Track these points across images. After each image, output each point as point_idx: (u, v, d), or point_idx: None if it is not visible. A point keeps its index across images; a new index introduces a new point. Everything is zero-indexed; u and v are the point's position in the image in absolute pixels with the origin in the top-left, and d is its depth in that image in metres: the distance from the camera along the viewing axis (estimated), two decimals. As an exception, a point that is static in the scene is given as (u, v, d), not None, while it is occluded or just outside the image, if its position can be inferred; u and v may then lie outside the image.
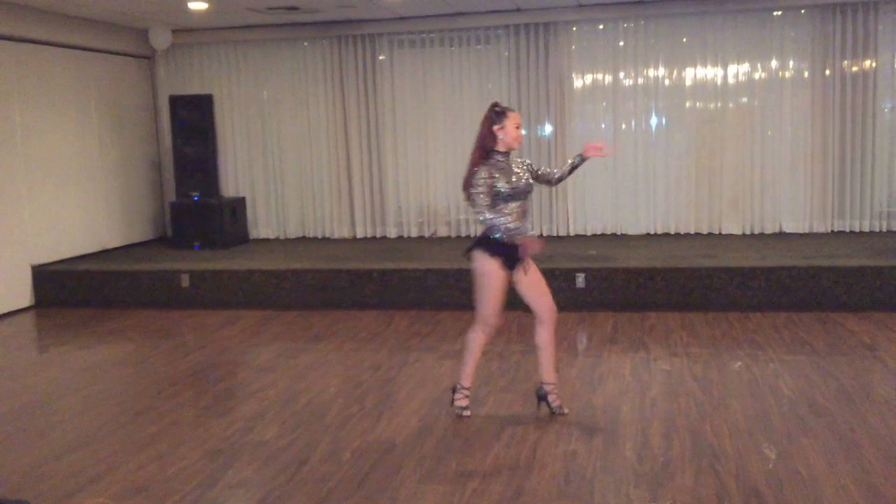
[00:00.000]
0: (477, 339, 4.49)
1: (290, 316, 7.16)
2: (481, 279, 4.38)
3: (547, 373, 4.49)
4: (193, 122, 9.19)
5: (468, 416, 4.49)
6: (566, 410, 4.49)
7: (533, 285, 4.41)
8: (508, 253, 4.29)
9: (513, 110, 4.41)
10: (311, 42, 9.51)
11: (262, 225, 9.87)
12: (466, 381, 4.53)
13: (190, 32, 9.52)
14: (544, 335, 4.47)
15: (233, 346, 6.34)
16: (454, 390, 4.57)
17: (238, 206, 9.46)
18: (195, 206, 9.10)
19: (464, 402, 4.53)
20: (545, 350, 4.47)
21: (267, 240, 9.76)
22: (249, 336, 6.59)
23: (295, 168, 9.72)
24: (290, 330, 6.72)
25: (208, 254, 8.65)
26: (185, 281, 7.64)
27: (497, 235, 4.29)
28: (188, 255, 8.56)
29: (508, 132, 4.30)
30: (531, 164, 4.47)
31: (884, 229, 8.45)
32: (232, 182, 9.85)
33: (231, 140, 9.80)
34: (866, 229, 8.46)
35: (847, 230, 8.51)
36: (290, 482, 3.74)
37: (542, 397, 4.51)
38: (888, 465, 3.66)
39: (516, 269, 4.35)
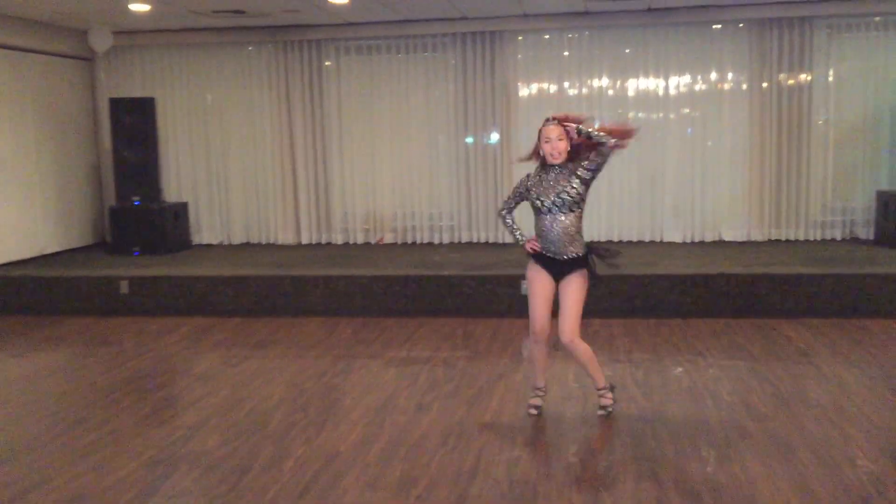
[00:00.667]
0: (530, 345, 4.66)
1: (232, 323, 7.06)
2: (527, 284, 4.50)
3: (593, 380, 4.58)
4: (134, 125, 9.01)
5: (534, 414, 4.54)
6: (601, 412, 4.55)
7: (562, 300, 4.40)
8: (546, 262, 4.37)
9: (546, 123, 4.33)
10: (256, 46, 9.43)
11: (205, 230, 9.73)
12: (537, 381, 4.64)
13: (132, 34, 9.34)
14: (572, 355, 4.52)
15: (173, 353, 6.23)
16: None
17: (180, 211, 9.30)
18: (136, 210, 8.92)
19: (534, 402, 4.60)
20: (580, 366, 4.59)
21: (210, 245, 9.62)
22: (191, 343, 6.48)
23: (239, 173, 9.60)
24: (233, 337, 6.63)
25: (149, 259, 8.48)
26: (125, 287, 7.47)
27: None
28: (128, 261, 8.39)
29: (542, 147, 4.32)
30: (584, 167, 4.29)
31: (818, 238, 8.70)
32: (174, 187, 9.68)
33: (174, 144, 9.64)
34: (801, 238, 8.70)
35: (783, 239, 8.74)
36: (231, 491, 3.68)
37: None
38: (822, 468, 3.76)
39: (561, 279, 4.38)
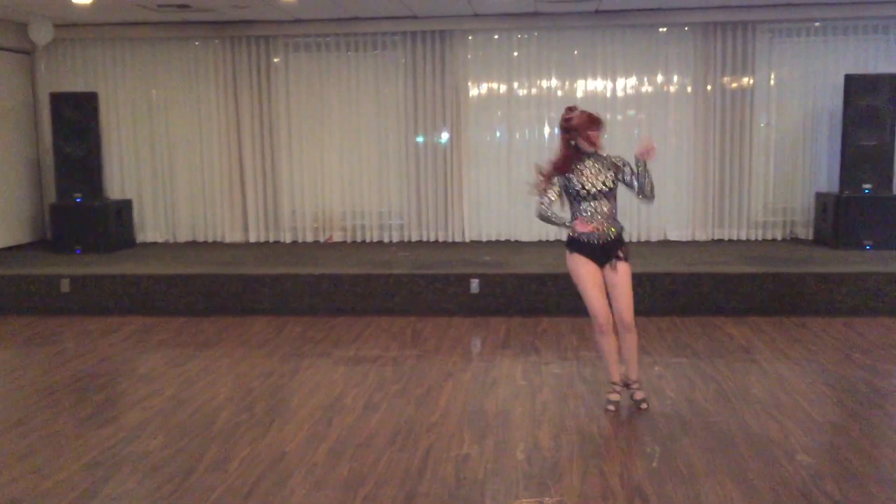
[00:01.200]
0: (596, 340, 4.59)
1: (178, 322, 6.95)
2: (574, 278, 4.52)
3: (632, 369, 4.60)
4: (76, 120, 8.79)
5: (612, 410, 4.53)
6: (644, 406, 4.58)
7: (613, 286, 4.45)
8: (587, 250, 4.42)
9: (589, 116, 4.51)
10: (202, 42, 9.29)
11: (149, 228, 9.55)
12: (612, 376, 4.61)
13: (73, 27, 9.13)
14: (621, 341, 4.54)
15: (116, 353, 6.10)
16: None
17: (124, 208, 9.11)
18: (77, 207, 8.71)
19: (611, 397, 4.59)
20: (625, 353, 4.55)
21: (155, 244, 9.45)
22: (134, 343, 6.36)
23: (185, 170, 9.45)
24: (178, 337, 6.52)
25: (91, 258, 8.30)
26: (66, 286, 7.30)
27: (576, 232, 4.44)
28: (69, 259, 8.19)
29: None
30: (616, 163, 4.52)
31: (760, 238, 8.91)
32: (118, 184, 9.49)
33: (117, 140, 9.45)
34: (744, 238, 8.90)
35: (726, 238, 8.92)
36: (174, 493, 3.62)
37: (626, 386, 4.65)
38: (762, 463, 3.85)
39: (605, 266, 4.44)
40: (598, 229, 4.42)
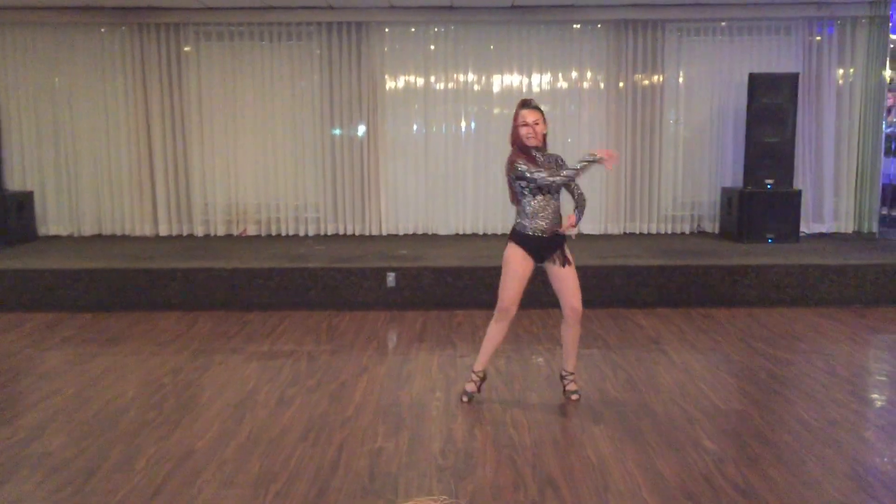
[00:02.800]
0: (492, 325, 4.61)
1: (83, 318, 6.71)
2: (504, 265, 4.52)
3: (566, 362, 4.71)
4: (-27, 107, 8.39)
5: (465, 402, 4.61)
6: (574, 397, 4.67)
7: (560, 280, 4.51)
8: (531, 244, 4.44)
9: (525, 104, 4.46)
10: (109, 28, 8.96)
11: (52, 221, 9.18)
12: (477, 365, 4.67)
13: (-31, 10, 8.69)
14: (565, 332, 4.64)
15: (15, 351, 5.84)
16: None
17: (24, 200, 8.73)
18: (-26, 199, 8.31)
19: (468, 387, 4.66)
20: (566, 345, 4.67)
21: (58, 237, 9.09)
22: (35, 340, 6.11)
23: (90, 161, 9.11)
24: (83, 333, 6.29)
25: (-11, 252, 7.93)
26: (-39, 281, 6.96)
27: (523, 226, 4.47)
28: (-35, 254, 7.81)
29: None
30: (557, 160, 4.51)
31: (668, 231, 9.16)
32: (18, 175, 9.08)
33: (17, 130, 9.04)
34: (654, 231, 9.14)
35: (637, 232, 9.14)
36: (76, 495, 3.49)
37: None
38: (668, 450, 3.96)
39: (547, 260, 4.48)
40: (536, 230, 4.45)
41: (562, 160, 4.57)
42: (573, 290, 4.55)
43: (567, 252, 4.55)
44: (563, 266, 4.52)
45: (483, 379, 4.71)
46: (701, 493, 3.49)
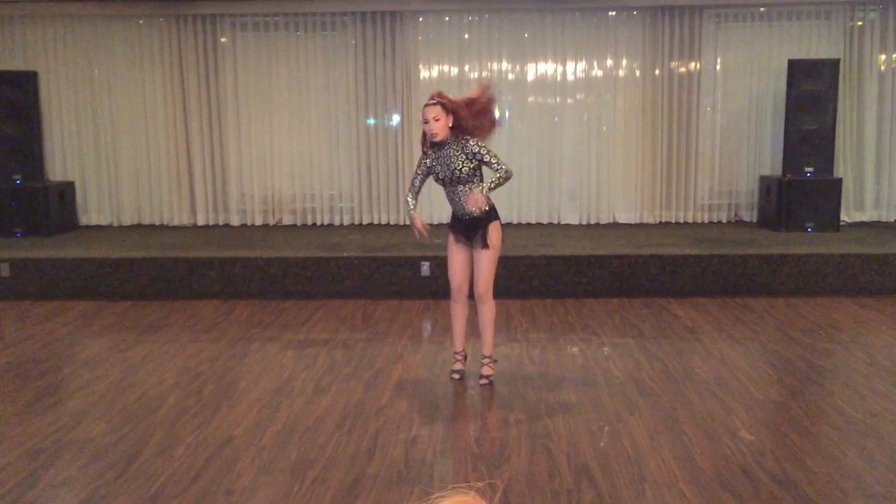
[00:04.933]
0: (451, 305, 4.85)
1: (123, 307, 6.82)
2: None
3: (484, 344, 4.86)
4: (15, 100, 8.53)
5: (455, 379, 4.84)
6: (483, 381, 4.80)
7: (474, 263, 4.67)
8: (457, 228, 4.67)
9: (427, 103, 4.56)
10: (147, 20, 9.06)
11: (92, 211, 9.33)
12: (455, 345, 4.93)
13: (12, 4, 8.82)
14: (479, 313, 4.79)
15: (58, 339, 5.96)
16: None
17: (66, 190, 8.89)
18: (17, 190, 8.46)
19: (454, 367, 4.90)
20: (482, 327, 4.82)
21: (99, 227, 9.24)
22: (77, 328, 6.23)
23: (130, 152, 9.24)
24: (123, 321, 6.40)
25: (32, 241, 8.09)
26: (6, 270, 7.10)
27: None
28: (9, 243, 7.97)
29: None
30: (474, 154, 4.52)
31: (705, 220, 9.05)
32: (59, 165, 9.24)
33: (58, 121, 9.18)
34: (690, 220, 9.03)
35: (673, 221, 9.04)
36: (118, 479, 3.57)
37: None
38: (704, 440, 3.93)
39: (475, 240, 4.63)
40: (456, 214, 4.66)
41: (474, 146, 4.51)
42: (479, 272, 4.65)
43: (488, 236, 4.60)
44: (481, 249, 4.62)
45: (464, 357, 4.93)
46: (738, 485, 3.46)
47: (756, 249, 7.15)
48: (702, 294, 6.89)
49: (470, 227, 4.63)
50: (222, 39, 9.08)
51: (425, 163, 4.67)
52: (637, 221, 9.04)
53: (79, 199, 9.19)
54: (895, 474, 3.54)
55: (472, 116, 4.54)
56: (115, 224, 9.33)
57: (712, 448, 3.84)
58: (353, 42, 9.02)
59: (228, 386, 4.86)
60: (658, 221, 9.04)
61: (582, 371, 5.04)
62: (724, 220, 9.06)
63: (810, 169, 8.22)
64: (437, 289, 7.01)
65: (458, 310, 4.83)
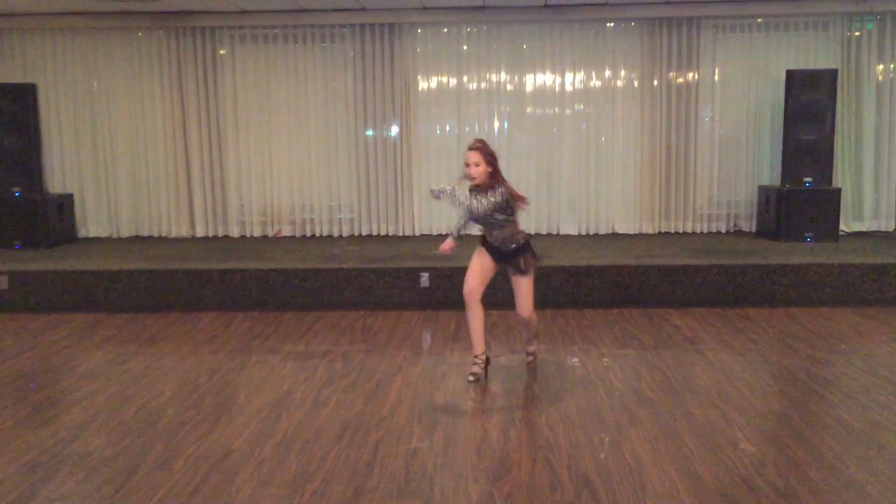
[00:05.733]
0: (466, 311, 5.02)
1: (122, 319, 6.81)
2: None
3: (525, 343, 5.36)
4: (14, 112, 8.55)
5: (471, 381, 4.96)
6: (529, 359, 5.33)
7: (516, 290, 5.00)
8: (492, 249, 4.97)
9: (471, 146, 4.83)
10: (146, 32, 9.09)
11: (91, 223, 9.34)
12: (474, 349, 5.05)
13: (12, 17, 8.86)
14: (525, 329, 5.25)
15: (57, 351, 5.94)
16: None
17: (65, 202, 8.89)
18: (16, 202, 8.47)
19: (473, 369, 5.01)
20: (523, 332, 5.34)
21: (97, 239, 9.24)
22: (76, 341, 6.21)
23: (128, 164, 9.25)
24: (122, 333, 6.39)
25: (31, 253, 8.08)
26: (4, 283, 7.09)
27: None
28: (8, 255, 7.96)
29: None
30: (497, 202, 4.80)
31: (704, 230, 9.06)
32: (58, 177, 9.25)
33: (57, 133, 9.20)
34: (689, 230, 9.04)
35: (672, 231, 9.06)
36: (116, 493, 3.55)
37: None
38: (706, 452, 3.92)
39: (510, 267, 4.96)
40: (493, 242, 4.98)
41: (501, 194, 4.80)
42: (520, 298, 5.00)
43: (526, 263, 4.94)
44: (520, 276, 4.95)
45: (486, 362, 5.09)
46: (740, 496, 3.44)
47: (755, 259, 7.15)
48: (701, 304, 6.88)
49: (502, 254, 4.94)
50: (221, 51, 9.10)
51: (467, 204, 4.85)
52: (636, 232, 9.05)
53: (77, 210, 9.19)
54: (897, 485, 3.53)
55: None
56: (114, 236, 9.33)
57: (713, 459, 3.82)
58: (352, 54, 9.05)
59: (228, 398, 4.84)
60: (657, 232, 9.05)
61: (582, 382, 5.02)
62: (723, 231, 9.08)
63: (809, 179, 8.23)
64: (437, 300, 7.00)
65: (473, 314, 4.97)
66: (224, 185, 9.24)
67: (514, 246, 4.93)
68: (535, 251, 5.03)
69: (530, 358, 5.38)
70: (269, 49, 9.11)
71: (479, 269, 4.98)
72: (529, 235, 5.11)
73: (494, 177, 4.82)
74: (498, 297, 6.95)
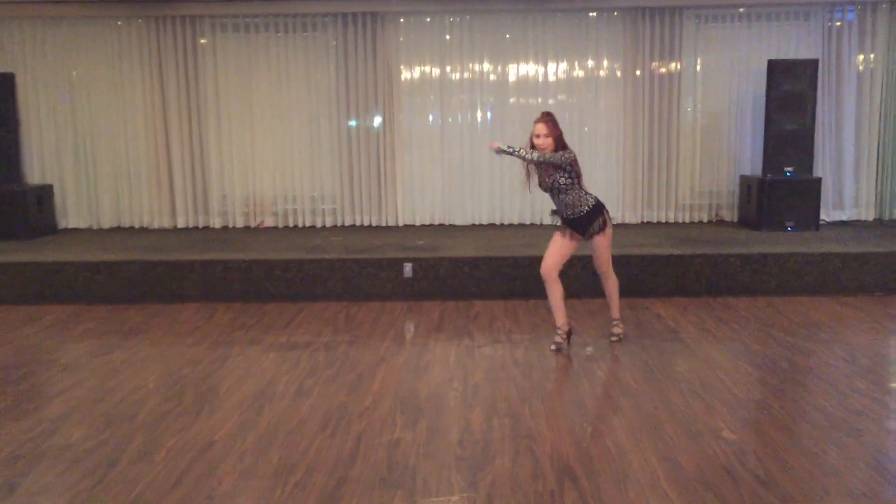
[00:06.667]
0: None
1: (103, 310, 6.76)
2: None
3: (612, 310, 5.66)
4: (-8, 102, 8.46)
5: (553, 350, 5.42)
6: (613, 339, 5.64)
7: (593, 248, 5.45)
8: (566, 225, 5.39)
9: (537, 120, 5.25)
10: (126, 21, 8.99)
11: (72, 214, 9.25)
12: (555, 320, 5.50)
13: (-12, 5, 8.74)
14: (605, 286, 5.60)
15: (36, 343, 5.89)
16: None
17: (45, 194, 8.80)
18: (-5, 193, 8.38)
19: (555, 339, 5.48)
20: (609, 297, 5.61)
21: (78, 230, 9.16)
22: (56, 332, 6.16)
23: (109, 154, 9.16)
24: (103, 325, 6.34)
25: (10, 245, 7.99)
26: (-17, 275, 7.02)
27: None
28: (-14, 247, 7.89)
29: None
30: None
31: (686, 220, 9.10)
32: (38, 168, 9.15)
33: (36, 123, 9.10)
34: (671, 220, 9.07)
35: (654, 221, 9.08)
36: (97, 485, 3.53)
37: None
38: (687, 440, 3.94)
39: (586, 236, 5.36)
40: (564, 213, 5.38)
41: (562, 158, 5.21)
42: (599, 255, 5.46)
43: (600, 224, 5.34)
44: (597, 236, 5.38)
45: (568, 334, 5.52)
46: (721, 484, 3.47)
47: (737, 249, 7.19)
48: (684, 294, 6.91)
49: (579, 222, 5.31)
50: (202, 41, 9.02)
51: (532, 159, 5.17)
52: (619, 221, 9.06)
53: (57, 202, 9.10)
54: (875, 472, 3.56)
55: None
56: (95, 227, 9.26)
57: (695, 447, 3.85)
58: (335, 43, 9.00)
59: (210, 390, 4.82)
60: (640, 221, 9.08)
61: (565, 372, 5.04)
62: (706, 220, 9.11)
63: (790, 169, 8.27)
64: (420, 290, 7.00)
65: (552, 290, 5.38)
66: (206, 176, 9.18)
67: (586, 209, 5.28)
68: (608, 213, 5.38)
69: (615, 329, 5.68)
70: (251, 38, 9.04)
71: (556, 249, 5.37)
72: (598, 200, 5.40)
73: (561, 148, 5.22)
74: (483, 287, 6.96)
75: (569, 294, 6.87)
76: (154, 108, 9.07)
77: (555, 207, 5.45)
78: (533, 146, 5.22)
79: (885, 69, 8.88)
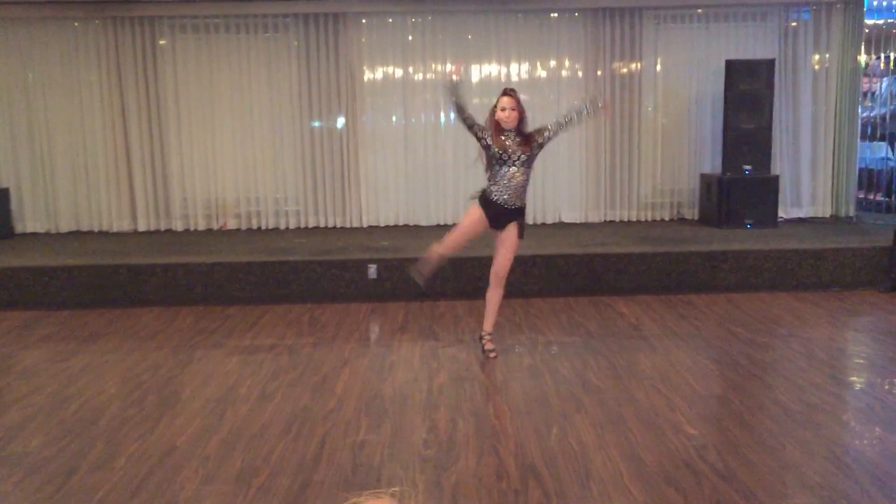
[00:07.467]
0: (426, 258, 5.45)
1: (61, 316, 6.65)
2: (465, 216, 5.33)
3: (485, 323, 5.37)
4: (-55, 104, 8.27)
5: (493, 357, 5.29)
6: (493, 355, 5.31)
7: (501, 243, 5.22)
8: (492, 209, 5.14)
9: (505, 93, 5.14)
10: (82, 23, 8.85)
11: (28, 218, 9.08)
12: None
13: (-61, 5, 8.56)
14: (492, 295, 5.32)
15: (-6, 350, 5.79)
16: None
17: (0, 197, 8.63)
18: (-52, 197, 8.21)
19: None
20: (487, 304, 5.34)
21: (35, 234, 9.00)
22: (13, 339, 6.05)
23: (67, 157, 9.02)
24: (62, 331, 6.24)
25: (-35, 250, 7.84)
26: (-63, 281, 6.87)
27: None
28: (-60, 253, 7.72)
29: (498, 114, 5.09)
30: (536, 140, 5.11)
31: (649, 219, 9.20)
32: (-7, 172, 8.98)
33: (-9, 126, 8.93)
34: (634, 219, 9.17)
35: (617, 220, 9.17)
36: (56, 494, 3.47)
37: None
38: (649, 436, 3.98)
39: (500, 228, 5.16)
40: (499, 198, 5.11)
41: (543, 130, 5.18)
42: (507, 255, 5.21)
43: (522, 225, 5.21)
44: (516, 237, 5.18)
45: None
46: (682, 479, 3.51)
47: (697, 246, 7.28)
48: (646, 291, 6.99)
49: (508, 214, 5.11)
50: (161, 41, 8.92)
51: (485, 138, 5.12)
52: (582, 221, 9.14)
53: (14, 205, 8.94)
54: (832, 465, 3.63)
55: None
56: (53, 231, 9.10)
57: (657, 443, 3.89)
58: (296, 44, 8.95)
59: (171, 395, 4.77)
60: (603, 220, 9.16)
61: (529, 370, 5.06)
62: (667, 218, 9.22)
63: (748, 167, 8.40)
64: (384, 291, 6.99)
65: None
66: (166, 178, 9.07)
67: (520, 205, 5.14)
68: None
69: (493, 354, 5.32)
70: (211, 39, 8.95)
71: (472, 233, 5.28)
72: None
73: (523, 123, 5.14)
74: (447, 287, 6.97)
75: (532, 293, 6.94)
76: (113, 110, 8.94)
77: (486, 187, 5.17)
78: (496, 122, 5.09)
79: (839, 68, 9.05)
